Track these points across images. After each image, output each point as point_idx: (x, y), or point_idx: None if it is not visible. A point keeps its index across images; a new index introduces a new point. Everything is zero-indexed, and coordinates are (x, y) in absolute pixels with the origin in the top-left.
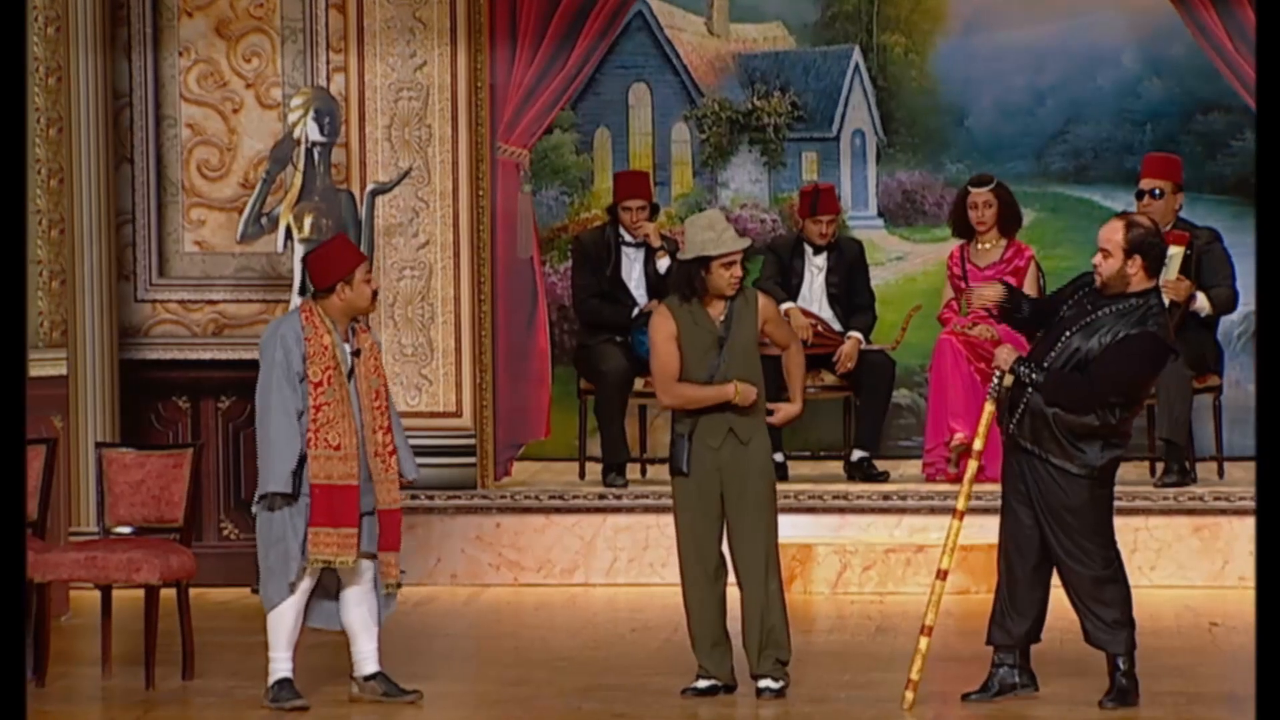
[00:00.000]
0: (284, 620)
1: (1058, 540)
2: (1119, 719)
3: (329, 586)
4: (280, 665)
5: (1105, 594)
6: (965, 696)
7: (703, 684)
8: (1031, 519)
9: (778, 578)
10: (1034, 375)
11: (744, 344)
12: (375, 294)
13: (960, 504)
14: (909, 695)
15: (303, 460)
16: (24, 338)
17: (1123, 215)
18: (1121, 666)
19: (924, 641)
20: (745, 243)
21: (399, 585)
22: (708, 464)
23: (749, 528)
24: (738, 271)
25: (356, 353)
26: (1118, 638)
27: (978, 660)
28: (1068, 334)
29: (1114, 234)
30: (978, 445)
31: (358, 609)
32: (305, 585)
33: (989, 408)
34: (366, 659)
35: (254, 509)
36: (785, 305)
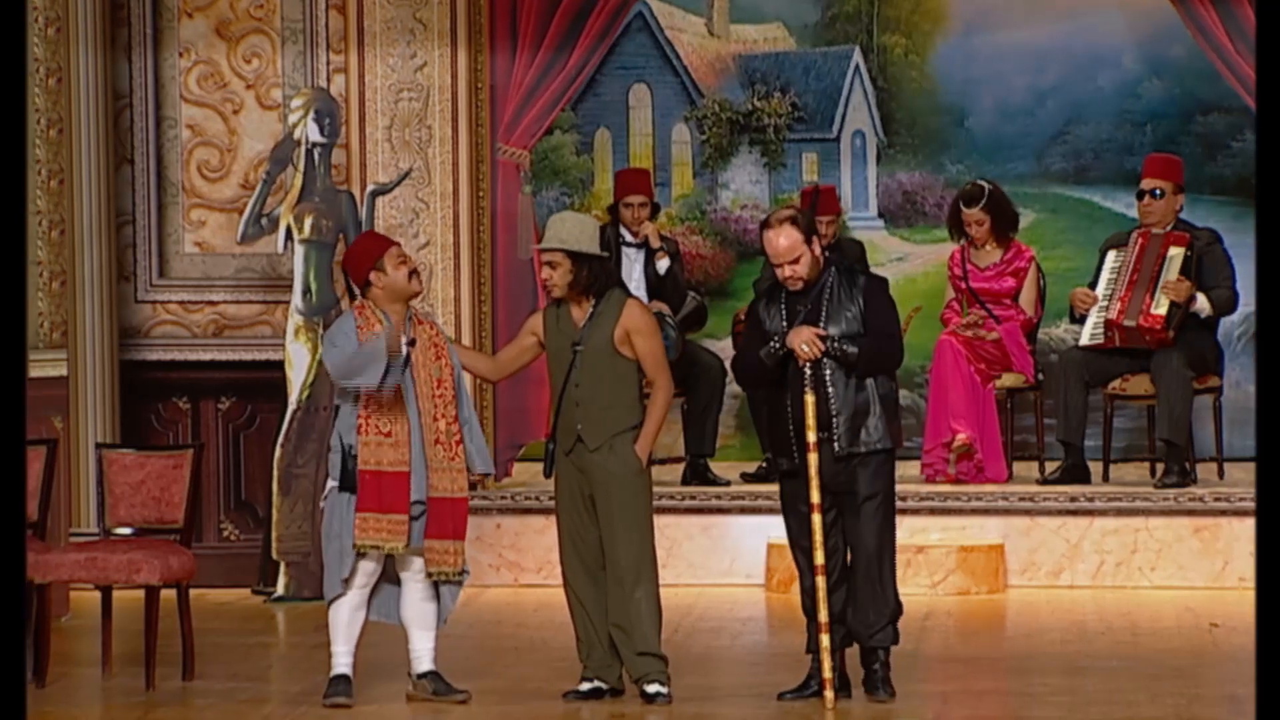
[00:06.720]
0: (339, 616)
1: (868, 530)
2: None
3: (394, 580)
4: (337, 660)
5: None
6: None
7: (584, 686)
8: (832, 520)
9: (650, 584)
10: (847, 348)
11: (595, 350)
12: (415, 274)
13: (815, 496)
14: (829, 695)
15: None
16: (24, 338)
17: (780, 221)
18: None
19: (825, 639)
20: (555, 243)
21: (457, 578)
22: (567, 468)
23: (615, 535)
24: (548, 273)
25: (412, 342)
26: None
27: (977, 660)
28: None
29: (790, 238)
30: (811, 438)
31: (413, 605)
32: (362, 581)
33: (810, 399)
34: (420, 657)
35: (322, 502)
36: None
